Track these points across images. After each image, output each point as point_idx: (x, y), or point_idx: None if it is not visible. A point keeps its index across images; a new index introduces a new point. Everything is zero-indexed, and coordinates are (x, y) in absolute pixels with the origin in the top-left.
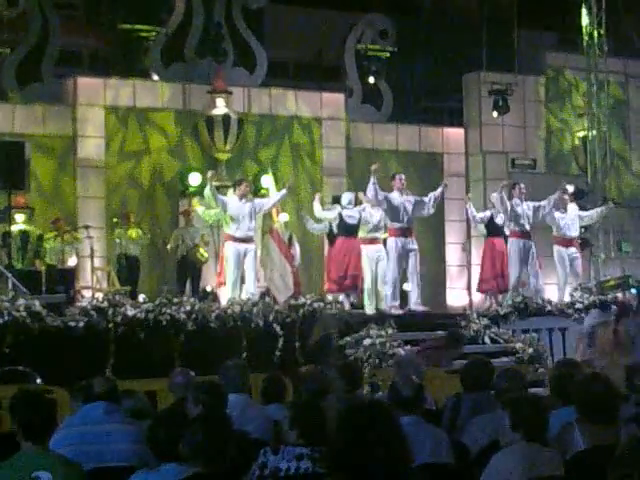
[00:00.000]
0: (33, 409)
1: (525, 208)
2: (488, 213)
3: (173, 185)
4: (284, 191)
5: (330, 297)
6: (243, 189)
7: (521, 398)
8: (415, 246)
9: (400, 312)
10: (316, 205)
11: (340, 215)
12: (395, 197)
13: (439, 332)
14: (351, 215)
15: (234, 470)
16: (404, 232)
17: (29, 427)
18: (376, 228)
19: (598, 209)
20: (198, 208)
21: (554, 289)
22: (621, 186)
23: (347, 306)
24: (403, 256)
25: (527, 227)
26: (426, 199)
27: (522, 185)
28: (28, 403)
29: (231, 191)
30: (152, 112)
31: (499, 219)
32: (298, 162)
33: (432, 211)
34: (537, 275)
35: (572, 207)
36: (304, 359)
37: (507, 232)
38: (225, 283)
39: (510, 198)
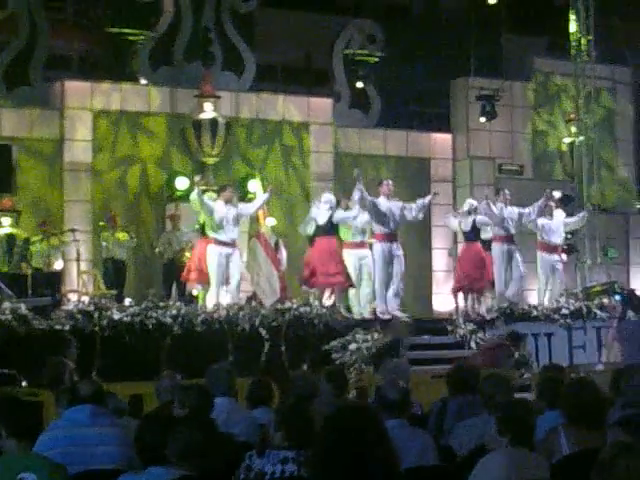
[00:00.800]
0: (15, 409)
1: (510, 211)
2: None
3: (160, 189)
4: (267, 195)
5: (312, 299)
6: (227, 195)
7: (509, 402)
8: (400, 252)
9: (388, 317)
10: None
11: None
12: (382, 202)
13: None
14: (321, 215)
15: (220, 473)
16: (390, 237)
17: (13, 426)
18: (362, 231)
19: (580, 214)
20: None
21: (535, 295)
22: (607, 192)
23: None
24: (389, 261)
25: (512, 231)
26: (413, 206)
27: (507, 191)
28: (9, 403)
29: (215, 196)
30: (140, 116)
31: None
32: (287, 167)
33: (420, 217)
34: (519, 280)
35: (559, 213)
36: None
37: (491, 236)
38: (192, 280)
39: (494, 203)
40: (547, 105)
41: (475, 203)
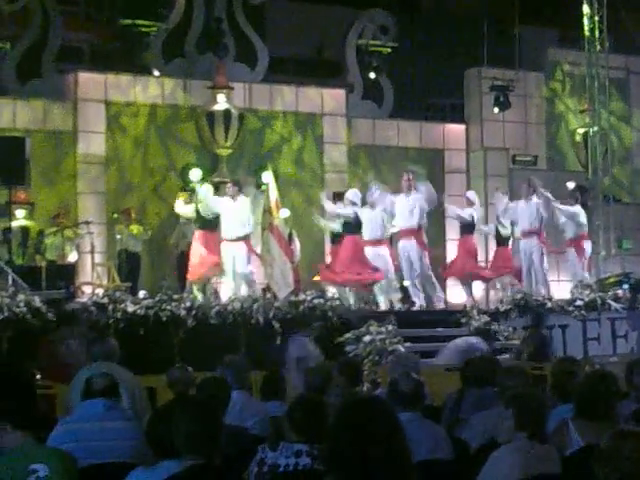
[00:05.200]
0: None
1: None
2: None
3: (174, 180)
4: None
5: (332, 291)
6: (229, 191)
7: (527, 395)
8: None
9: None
10: (327, 204)
11: (356, 213)
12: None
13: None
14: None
15: (233, 466)
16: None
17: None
18: (379, 229)
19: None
20: (177, 208)
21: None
22: (622, 183)
23: (352, 301)
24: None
25: (529, 227)
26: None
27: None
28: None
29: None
30: (153, 107)
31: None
32: (300, 158)
33: None
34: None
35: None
36: None
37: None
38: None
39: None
40: (560, 96)
41: (471, 196)
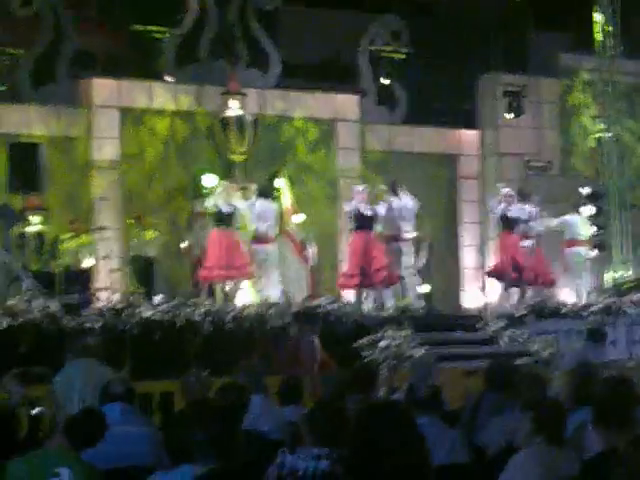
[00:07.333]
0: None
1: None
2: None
3: (188, 186)
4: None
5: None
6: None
7: (544, 400)
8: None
9: None
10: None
11: (357, 209)
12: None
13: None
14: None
15: (251, 470)
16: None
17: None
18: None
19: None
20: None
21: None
22: (637, 188)
23: (365, 306)
24: None
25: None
26: None
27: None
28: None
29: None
30: (166, 113)
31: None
32: (313, 163)
33: None
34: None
35: (586, 210)
36: None
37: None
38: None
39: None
40: (574, 102)
41: (504, 191)
